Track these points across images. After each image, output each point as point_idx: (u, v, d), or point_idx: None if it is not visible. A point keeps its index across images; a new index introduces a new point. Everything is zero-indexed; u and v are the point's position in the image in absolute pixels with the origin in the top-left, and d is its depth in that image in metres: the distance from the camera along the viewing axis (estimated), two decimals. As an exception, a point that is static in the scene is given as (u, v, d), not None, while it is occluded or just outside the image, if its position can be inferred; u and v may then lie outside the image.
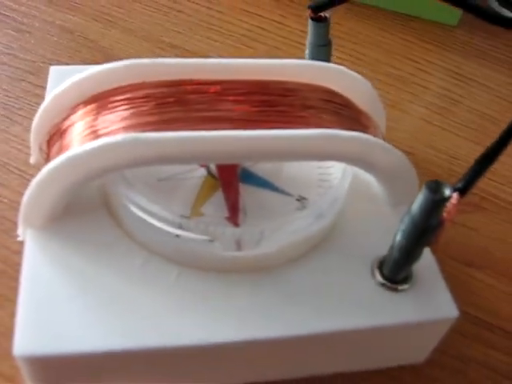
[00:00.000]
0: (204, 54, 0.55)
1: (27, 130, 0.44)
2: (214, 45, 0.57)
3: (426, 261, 0.34)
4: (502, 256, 0.44)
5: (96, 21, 0.57)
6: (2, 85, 0.49)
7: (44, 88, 0.42)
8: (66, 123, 0.33)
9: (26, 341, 0.29)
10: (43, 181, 0.31)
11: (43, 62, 0.52)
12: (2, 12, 0.56)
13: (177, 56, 0.54)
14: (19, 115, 0.47)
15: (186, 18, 0.59)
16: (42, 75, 0.50)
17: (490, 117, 0.54)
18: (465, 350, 0.38)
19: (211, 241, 0.32)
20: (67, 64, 0.51)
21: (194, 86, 0.33)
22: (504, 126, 0.30)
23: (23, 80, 0.50)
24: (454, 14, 0.63)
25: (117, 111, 0.32)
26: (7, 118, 0.47)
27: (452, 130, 0.52)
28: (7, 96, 0.48)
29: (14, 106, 0.47)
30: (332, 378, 0.36)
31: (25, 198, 0.32)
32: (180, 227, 0.32)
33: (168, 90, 0.32)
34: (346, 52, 0.58)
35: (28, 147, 0.42)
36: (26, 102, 0.48)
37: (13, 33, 0.54)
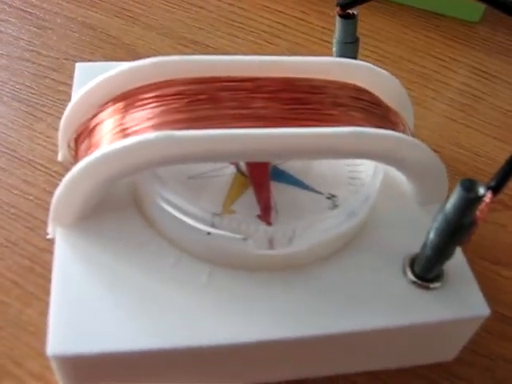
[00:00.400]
0: (226, 51, 0.55)
1: (51, 126, 0.45)
2: (236, 41, 0.56)
3: (457, 259, 0.34)
4: (529, 254, 0.43)
5: (117, 17, 0.57)
6: (25, 81, 0.49)
7: (67, 84, 0.42)
8: (95, 121, 0.33)
9: (59, 340, 0.29)
10: (75, 178, 0.31)
11: (66, 59, 0.51)
12: (24, 9, 0.56)
13: (199, 52, 0.54)
14: (43, 112, 0.47)
15: (207, 14, 0.59)
16: (65, 72, 0.50)
17: (513, 114, 0.54)
18: (493, 348, 0.38)
19: (244, 239, 0.32)
20: (90, 60, 0.51)
21: (225, 84, 0.32)
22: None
23: (46, 77, 0.50)
24: (477, 10, 0.62)
25: (147, 109, 0.32)
26: (31, 114, 0.47)
27: (476, 127, 0.52)
28: (31, 93, 0.48)
29: (37, 103, 0.47)
30: (358, 376, 0.36)
31: (55, 196, 0.32)
32: (212, 225, 0.32)
33: (199, 87, 0.32)
34: (368, 49, 0.57)
35: (53, 144, 0.43)
36: (50, 98, 0.48)
37: (35, 29, 0.54)
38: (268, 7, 0.61)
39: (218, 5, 0.60)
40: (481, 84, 0.57)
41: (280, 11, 0.60)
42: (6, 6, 0.56)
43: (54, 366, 0.30)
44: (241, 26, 0.58)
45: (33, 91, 0.48)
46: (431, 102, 0.54)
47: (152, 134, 0.29)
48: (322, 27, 0.59)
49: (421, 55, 0.58)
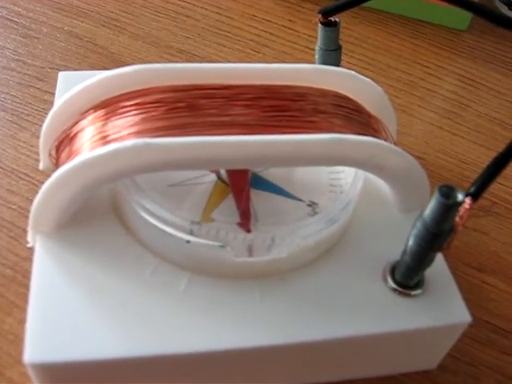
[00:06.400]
0: (212, 60, 0.55)
1: (36, 136, 0.44)
2: (223, 50, 0.56)
3: (438, 266, 0.34)
4: (513, 261, 0.43)
5: (104, 26, 0.57)
6: (11, 91, 0.49)
7: (52, 94, 0.42)
8: (76, 129, 0.33)
9: (36, 348, 0.29)
10: (53, 186, 0.31)
11: (51, 68, 0.51)
12: (10, 18, 0.56)
13: (185, 61, 0.54)
14: (28, 121, 0.47)
15: (194, 23, 0.59)
16: (51, 81, 0.50)
17: (499, 121, 0.54)
18: (477, 356, 0.38)
19: (222, 246, 0.32)
20: (76, 70, 0.51)
21: (204, 91, 0.32)
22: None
23: (31, 86, 0.50)
24: (463, 18, 0.62)
25: (127, 116, 0.31)
26: (16, 124, 0.46)
27: (462, 134, 0.52)
28: (16, 102, 0.48)
29: (22, 112, 0.47)
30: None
31: (34, 203, 0.32)
32: (191, 233, 0.32)
33: (178, 94, 0.32)
34: (355, 57, 0.58)
35: (37, 153, 0.42)
36: (35, 107, 0.48)
37: (21, 38, 0.54)
38: (255, 16, 0.61)
39: (205, 14, 0.60)
40: (467, 91, 0.57)
41: (267, 20, 0.61)
42: (-9, 16, 0.56)
43: (31, 373, 0.30)
44: (228, 35, 0.58)
45: (18, 100, 0.48)
46: (417, 109, 0.54)
47: (130, 142, 0.29)
48: (309, 35, 0.59)
49: (408, 63, 0.59)
